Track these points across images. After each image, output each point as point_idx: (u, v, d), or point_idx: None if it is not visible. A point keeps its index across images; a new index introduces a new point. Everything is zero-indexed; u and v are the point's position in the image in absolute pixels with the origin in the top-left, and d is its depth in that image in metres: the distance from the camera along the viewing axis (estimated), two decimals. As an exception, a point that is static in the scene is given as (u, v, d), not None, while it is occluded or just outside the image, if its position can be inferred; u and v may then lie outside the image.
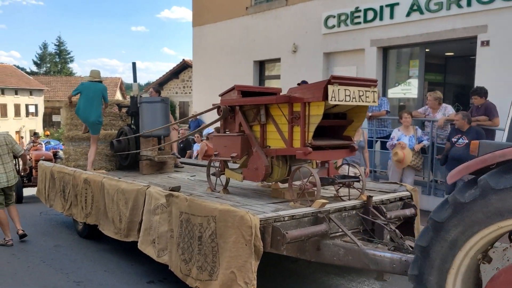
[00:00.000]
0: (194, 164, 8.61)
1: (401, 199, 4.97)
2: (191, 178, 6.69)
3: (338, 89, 4.06)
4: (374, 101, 4.35)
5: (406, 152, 7.27)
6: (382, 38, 9.93)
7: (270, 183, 5.23)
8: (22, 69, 52.89)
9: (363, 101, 4.27)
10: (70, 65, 63.48)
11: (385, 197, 4.82)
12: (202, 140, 11.70)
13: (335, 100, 4.04)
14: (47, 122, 44.86)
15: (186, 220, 4.22)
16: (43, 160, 12.35)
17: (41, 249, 6.55)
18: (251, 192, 5.33)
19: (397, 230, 4.10)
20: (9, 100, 38.94)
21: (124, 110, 7.96)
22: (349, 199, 4.66)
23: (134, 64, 7.78)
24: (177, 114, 25.35)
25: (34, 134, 14.53)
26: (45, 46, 62.30)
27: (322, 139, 4.42)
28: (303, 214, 4.04)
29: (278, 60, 12.51)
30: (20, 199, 12.07)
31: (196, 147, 11.42)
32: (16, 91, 39.86)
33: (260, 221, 3.70)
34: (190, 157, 11.39)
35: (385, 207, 4.62)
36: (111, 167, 7.83)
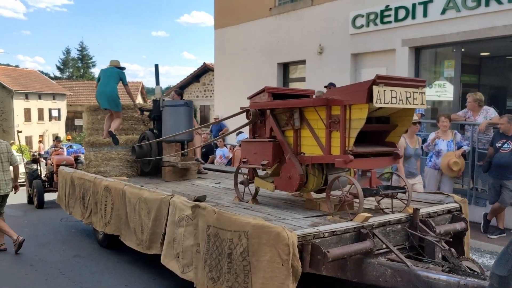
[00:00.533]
0: (218, 170, 8.25)
1: (449, 211, 4.49)
2: (216, 186, 6.33)
3: (384, 90, 3.63)
4: (422, 104, 3.90)
5: (461, 160, 6.84)
6: (414, 38, 9.42)
7: (302, 193, 4.82)
8: (46, 74, 53.69)
9: (410, 104, 3.83)
10: (92, 70, 64.22)
11: (432, 209, 4.36)
12: (225, 145, 11.37)
13: (380, 103, 3.61)
14: (70, 126, 45.33)
15: (214, 235, 3.84)
16: (64, 165, 12.26)
17: (60, 260, 6.28)
18: (282, 202, 4.93)
19: (452, 249, 3.64)
20: (33, 104, 39.43)
21: (146, 114, 7.67)
22: (392, 212, 4.21)
23: (156, 66, 7.47)
24: (198, 118, 25.14)
25: (56, 138, 14.46)
26: (68, 51, 63.22)
27: (363, 146, 3.99)
28: (344, 229, 3.62)
29: (303, 62, 12.11)
30: (41, 204, 11.95)
31: (219, 152, 11.08)
32: (40, 96, 40.35)
33: (298, 238, 3.30)
34: (213, 162, 11.05)
35: (433, 221, 4.16)
36: (133, 173, 7.53)
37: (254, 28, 13.45)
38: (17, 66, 51.02)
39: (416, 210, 4.05)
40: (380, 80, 3.61)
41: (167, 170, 6.84)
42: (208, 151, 11.64)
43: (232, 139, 11.50)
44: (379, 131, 4.18)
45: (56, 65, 63.53)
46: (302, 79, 12.28)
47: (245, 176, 5.00)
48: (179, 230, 4.43)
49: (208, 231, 3.92)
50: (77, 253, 6.59)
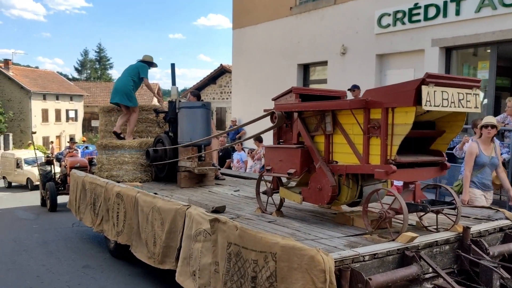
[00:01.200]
0: (237, 176, 7.81)
1: (501, 229, 3.96)
2: (235, 194, 5.88)
3: (434, 91, 3.14)
4: (476, 107, 3.40)
5: None
6: (445, 37, 8.85)
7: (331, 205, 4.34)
8: (64, 75, 54.11)
9: (463, 107, 3.33)
10: (110, 71, 64.68)
11: (482, 227, 3.83)
12: (243, 149, 10.94)
13: (430, 105, 3.12)
14: (86, 127, 45.46)
15: (235, 254, 3.38)
16: (77, 167, 11.96)
17: (69, 270, 5.90)
18: (309, 215, 4.45)
19: (515, 278, 3.12)
20: (50, 105, 39.60)
21: (161, 116, 7.27)
22: (437, 230, 3.70)
23: (173, 65, 7.08)
24: (214, 120, 24.77)
25: (70, 140, 14.19)
26: (86, 52, 63.80)
27: (406, 155, 3.50)
28: (387, 251, 3.13)
29: (324, 63, 11.61)
30: (54, 207, 11.67)
31: (236, 156, 10.65)
32: (57, 97, 40.52)
33: (335, 262, 2.83)
34: (230, 167, 10.62)
35: (485, 241, 3.64)
36: (146, 178, 7.13)
37: (274, 28, 13.00)
38: (36, 67, 51.50)
39: (466, 228, 3.53)
40: (430, 79, 3.12)
41: (182, 176, 6.42)
42: (225, 155, 11.22)
43: (250, 143, 11.04)
44: (423, 137, 3.68)
45: (74, 66, 64.25)
46: (323, 81, 11.79)
47: (269, 185, 4.54)
48: (196, 245, 3.98)
49: (229, 249, 3.46)
50: (86, 263, 6.21)
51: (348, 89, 9.32)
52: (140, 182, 6.97)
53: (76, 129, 43.04)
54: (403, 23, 9.52)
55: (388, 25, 9.82)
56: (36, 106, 37.63)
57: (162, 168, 6.82)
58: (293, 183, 4.49)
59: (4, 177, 19.06)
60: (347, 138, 3.69)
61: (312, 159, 3.97)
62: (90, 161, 12.88)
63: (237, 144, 10.45)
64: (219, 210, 4.39)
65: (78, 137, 42.51)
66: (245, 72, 14.29)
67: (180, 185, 6.44)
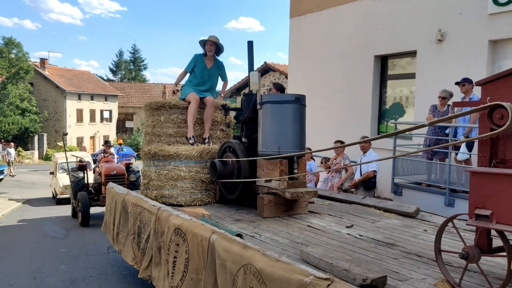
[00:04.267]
0: (328, 197, 5.79)
1: None
2: (354, 235, 3.88)
3: None
4: None
5: None
6: None
7: None
8: (100, 77, 53.52)
9: None
10: (144, 72, 63.97)
11: None
12: (312, 158, 8.89)
13: None
14: (120, 128, 44.51)
15: None
16: (114, 175, 10.24)
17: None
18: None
19: None
20: (85, 105, 38.71)
21: (230, 115, 5.36)
22: None
23: (250, 44, 5.15)
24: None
25: (106, 143, 12.50)
26: (121, 53, 63.31)
27: None
28: None
29: (412, 53, 9.45)
30: (86, 221, 9.99)
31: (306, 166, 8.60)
32: (92, 97, 39.63)
33: None
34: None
35: None
36: (208, 199, 5.24)
37: (343, 14, 10.94)
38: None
39: None
40: None
41: (266, 201, 4.46)
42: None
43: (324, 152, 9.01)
44: None
45: (109, 67, 63.79)
46: (410, 76, 9.64)
47: (469, 239, 2.50)
48: None
49: None
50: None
51: (456, 83, 7.28)
52: (200, 204, 5.09)
53: (110, 130, 42.10)
54: (531, -1, 7.30)
55: (509, 2, 7.60)
56: (71, 106, 36.79)
57: (232, 187, 4.90)
58: None
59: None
60: None
61: None
62: (128, 167, 11.17)
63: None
64: (376, 285, 2.40)
65: (112, 138, 41.58)
66: (305, 67, 12.28)
67: (262, 214, 4.48)
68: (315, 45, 11.84)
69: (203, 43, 5.75)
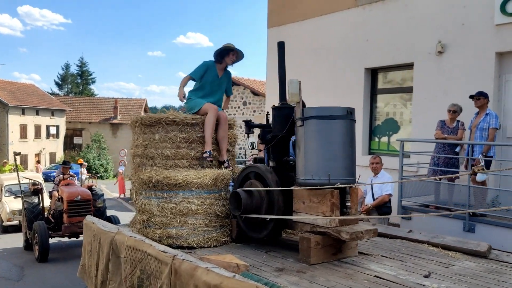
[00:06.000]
0: (397, 237, 4.85)
1: None
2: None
3: None
4: None
5: None
6: None
7: None
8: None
9: None
10: (92, 86, 61.37)
11: None
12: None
13: None
14: (68, 144, 41.81)
15: None
16: (78, 201, 8.90)
17: None
18: None
19: None
20: (30, 120, 35.96)
21: (254, 132, 4.39)
22: None
23: (281, 44, 4.22)
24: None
25: (64, 163, 11.00)
26: (67, 66, 60.49)
27: None
28: None
29: (408, 66, 8.92)
30: (45, 255, 8.54)
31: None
32: (37, 111, 36.94)
33: None
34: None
35: None
36: (225, 238, 4.21)
37: (330, 24, 10.30)
38: (13, 81, 47.71)
39: None
40: None
41: (313, 243, 3.50)
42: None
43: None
44: None
45: (55, 80, 60.45)
46: (405, 89, 9.11)
47: None
48: None
49: None
50: None
51: (471, 97, 6.77)
52: (216, 245, 4.06)
53: (57, 147, 39.44)
54: (542, 9, 6.94)
55: (518, 12, 7.22)
56: (14, 121, 34.01)
57: (260, 224, 3.90)
58: None
59: None
60: None
61: None
62: (90, 189, 9.82)
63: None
64: None
65: (60, 155, 38.88)
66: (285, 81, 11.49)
67: (309, 260, 3.51)
68: (298, 57, 11.10)
69: (226, 50, 4.78)
